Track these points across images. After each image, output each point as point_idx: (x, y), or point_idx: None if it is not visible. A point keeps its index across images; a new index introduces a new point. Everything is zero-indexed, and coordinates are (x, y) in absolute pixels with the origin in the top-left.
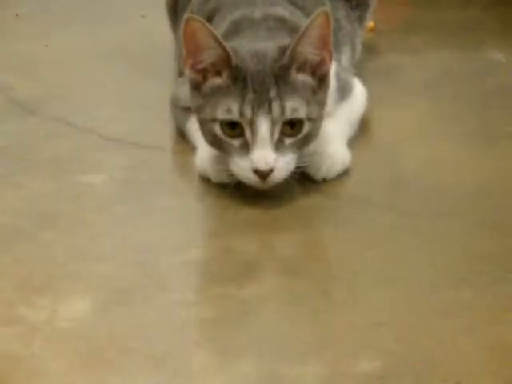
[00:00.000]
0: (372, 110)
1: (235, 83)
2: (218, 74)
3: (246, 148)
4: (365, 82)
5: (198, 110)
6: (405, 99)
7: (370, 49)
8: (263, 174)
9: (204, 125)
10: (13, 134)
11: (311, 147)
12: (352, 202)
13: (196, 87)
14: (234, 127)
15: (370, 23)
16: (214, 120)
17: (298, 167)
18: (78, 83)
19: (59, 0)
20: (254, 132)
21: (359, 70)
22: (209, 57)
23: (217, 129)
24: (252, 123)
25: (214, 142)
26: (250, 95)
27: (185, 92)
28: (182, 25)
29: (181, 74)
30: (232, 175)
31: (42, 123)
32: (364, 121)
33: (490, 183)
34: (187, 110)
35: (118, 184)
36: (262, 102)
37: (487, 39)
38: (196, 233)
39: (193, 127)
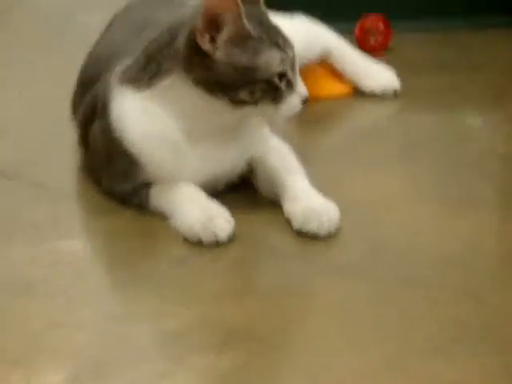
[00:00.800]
0: (349, 173)
1: (260, 37)
2: (241, 39)
3: (290, 86)
4: (343, 144)
5: (241, 78)
6: (383, 163)
7: (348, 112)
8: (306, 99)
9: (252, 86)
10: None
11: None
12: (327, 267)
13: (226, 62)
14: (279, 74)
15: (346, 87)
16: (271, 75)
17: None
18: (57, 145)
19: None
20: (294, 69)
21: (338, 133)
22: (231, 23)
23: (276, 81)
24: (293, 63)
25: (262, 97)
26: (280, 40)
27: (119, 176)
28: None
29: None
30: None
31: (19, 188)
32: (340, 184)
33: (467, 250)
34: (132, 191)
35: (97, 250)
36: (287, 41)
37: (465, 104)
38: (172, 301)
39: (158, 196)
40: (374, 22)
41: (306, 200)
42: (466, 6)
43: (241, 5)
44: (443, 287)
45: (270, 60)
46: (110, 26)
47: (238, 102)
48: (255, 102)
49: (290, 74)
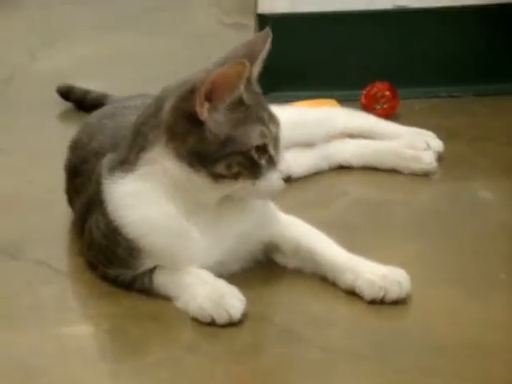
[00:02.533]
0: (355, 250)
1: (248, 111)
2: (231, 110)
3: (272, 162)
4: (344, 218)
5: (220, 149)
6: (391, 240)
7: (350, 183)
8: (289, 178)
9: (229, 159)
10: None
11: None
12: (340, 355)
13: (213, 131)
14: (258, 149)
15: None
16: (248, 149)
17: None
18: (61, 223)
19: (46, 134)
20: (276, 146)
21: (344, 207)
22: (231, 96)
23: (253, 155)
24: (276, 139)
25: (240, 172)
26: (265, 115)
27: (119, 266)
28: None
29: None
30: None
31: (23, 267)
32: None
33: (479, 336)
34: (133, 278)
35: (105, 336)
36: (273, 118)
37: (474, 176)
38: None
39: (163, 280)
40: (380, 89)
41: (372, 269)
42: (474, 73)
43: (245, 76)
44: (460, 377)
45: (249, 133)
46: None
47: (216, 176)
48: (234, 177)
49: (271, 150)
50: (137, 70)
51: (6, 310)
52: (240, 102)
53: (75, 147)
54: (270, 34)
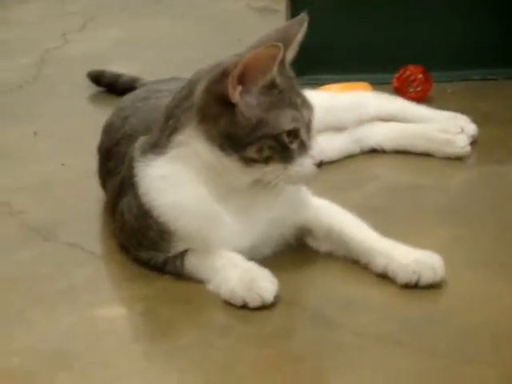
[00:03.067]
0: (387, 234)
1: (281, 95)
2: (264, 93)
3: (304, 148)
4: (380, 202)
5: (252, 132)
6: (424, 224)
7: (386, 168)
8: (321, 163)
9: (260, 143)
10: (26, 262)
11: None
12: (372, 340)
13: (245, 114)
14: (290, 133)
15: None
16: (279, 132)
17: None
18: (94, 206)
19: (78, 117)
20: (309, 131)
21: (376, 191)
22: (264, 79)
23: (285, 140)
24: (309, 125)
25: (271, 156)
26: (298, 100)
27: (151, 248)
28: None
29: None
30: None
31: (56, 250)
32: None
33: None
34: (165, 261)
35: (138, 318)
36: (306, 103)
37: (508, 159)
38: (215, 373)
39: (194, 263)
40: (413, 72)
41: (405, 253)
42: (506, 56)
43: (279, 59)
44: (493, 365)
45: (281, 117)
46: (121, 103)
47: (247, 160)
48: (264, 161)
49: (303, 135)
50: (166, 53)
51: (39, 292)
52: (273, 86)
53: (108, 130)
54: (307, 19)
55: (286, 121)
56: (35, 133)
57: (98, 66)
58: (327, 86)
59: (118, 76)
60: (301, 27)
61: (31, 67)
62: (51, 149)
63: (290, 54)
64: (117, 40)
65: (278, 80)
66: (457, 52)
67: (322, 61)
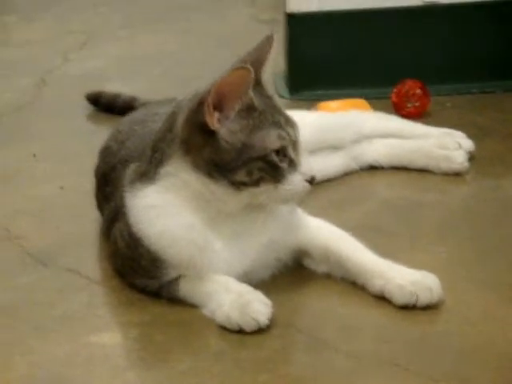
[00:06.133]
0: (385, 253)
1: (262, 116)
2: (244, 116)
3: (293, 165)
4: (377, 219)
5: (238, 157)
6: (422, 242)
7: (382, 185)
8: (313, 179)
9: (249, 166)
10: (24, 288)
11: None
12: (370, 362)
13: (227, 140)
14: (278, 152)
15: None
16: (267, 153)
17: None
18: (92, 230)
19: (77, 138)
20: (296, 148)
21: (374, 208)
22: (240, 102)
23: (274, 159)
24: (295, 141)
25: (262, 177)
26: (281, 118)
27: (145, 275)
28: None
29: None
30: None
31: (55, 275)
32: None
33: None
34: (160, 287)
35: (133, 344)
36: (289, 121)
37: (507, 174)
38: None
39: (188, 288)
40: (411, 87)
41: (402, 274)
42: (504, 70)
43: (251, 81)
44: None
45: (265, 137)
46: (119, 126)
47: (237, 184)
48: (255, 184)
49: (291, 153)
50: (169, 70)
51: (38, 319)
52: (251, 108)
53: (105, 154)
54: (274, 38)
55: (271, 140)
56: (34, 155)
57: (98, 85)
58: (324, 102)
59: (116, 96)
60: (271, 46)
61: (31, 88)
62: (50, 171)
63: (265, 72)
64: (118, 57)
65: (256, 101)
66: (455, 65)
67: (318, 76)
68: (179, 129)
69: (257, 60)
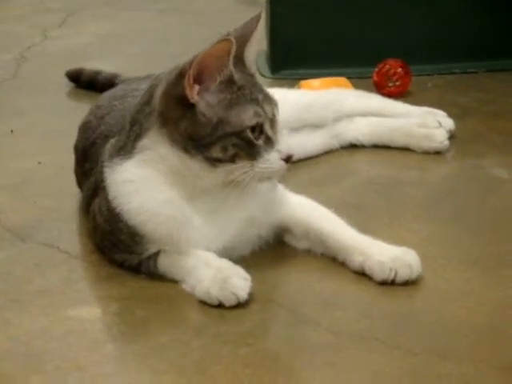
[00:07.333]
0: (366, 230)
1: (240, 92)
2: (223, 90)
3: (270, 143)
4: (359, 198)
5: (214, 132)
6: (403, 219)
7: (364, 164)
8: (290, 158)
9: (224, 141)
10: (1, 263)
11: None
12: (349, 337)
13: (205, 113)
14: (254, 129)
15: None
16: (242, 129)
17: None
18: (70, 205)
19: (57, 114)
20: (273, 126)
21: (355, 186)
22: (221, 76)
23: (249, 136)
24: (272, 119)
25: (237, 154)
26: (259, 96)
27: (124, 250)
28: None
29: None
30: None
31: (33, 250)
32: None
33: (493, 318)
34: (139, 262)
35: (112, 318)
36: (268, 98)
37: (488, 153)
38: (191, 373)
39: (167, 263)
40: (392, 66)
41: (382, 250)
42: (488, 49)
43: (232, 52)
44: (473, 360)
45: (242, 113)
46: (98, 102)
47: (213, 160)
48: (231, 160)
49: (268, 130)
50: (149, 47)
51: (14, 293)
52: (231, 82)
53: (85, 129)
54: (261, 16)
55: (247, 116)
56: (12, 131)
57: (79, 62)
58: (306, 81)
59: (97, 73)
60: (257, 24)
61: (11, 64)
62: (28, 147)
63: (251, 51)
64: (98, 35)
65: (236, 77)
66: (436, 46)
67: (300, 56)
68: (157, 101)
69: (241, 36)
